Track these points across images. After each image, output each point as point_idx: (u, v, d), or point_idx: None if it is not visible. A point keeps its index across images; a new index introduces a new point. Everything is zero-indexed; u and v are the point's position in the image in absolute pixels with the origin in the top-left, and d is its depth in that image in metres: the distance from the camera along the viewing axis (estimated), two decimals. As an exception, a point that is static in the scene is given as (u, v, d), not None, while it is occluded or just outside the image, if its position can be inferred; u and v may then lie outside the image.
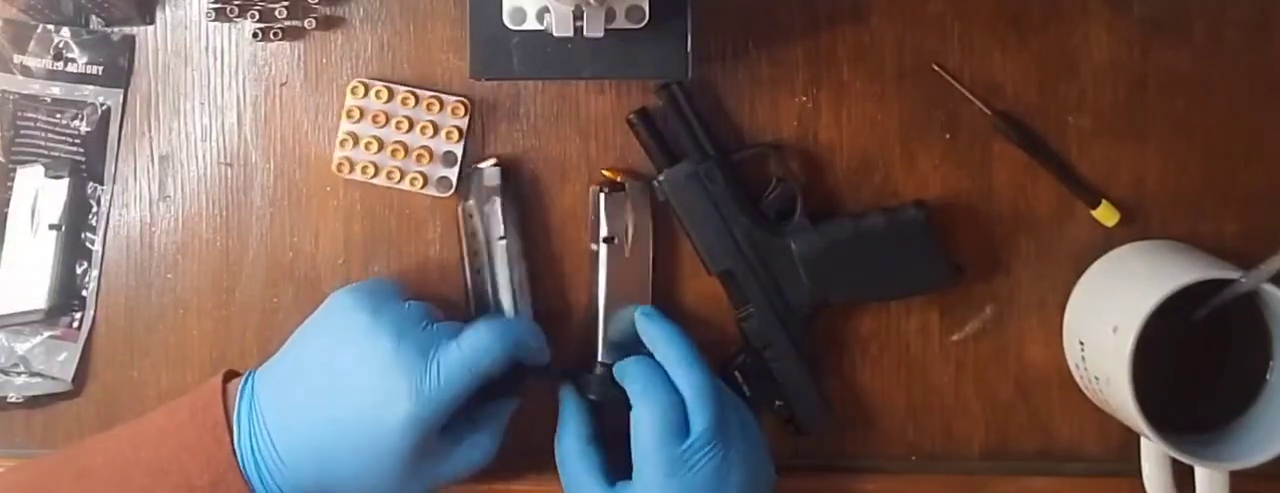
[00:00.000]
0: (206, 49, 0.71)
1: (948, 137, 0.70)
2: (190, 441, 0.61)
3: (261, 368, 0.64)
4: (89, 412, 0.71)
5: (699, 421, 0.62)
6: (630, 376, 0.65)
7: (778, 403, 0.69)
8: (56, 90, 0.70)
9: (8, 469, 0.66)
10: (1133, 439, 0.66)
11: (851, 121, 0.70)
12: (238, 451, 0.61)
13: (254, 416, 0.61)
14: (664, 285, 0.70)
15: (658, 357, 0.65)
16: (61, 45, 0.70)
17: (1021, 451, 0.71)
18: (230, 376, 0.65)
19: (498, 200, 0.68)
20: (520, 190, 0.70)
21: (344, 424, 0.60)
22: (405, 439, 0.60)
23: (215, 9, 0.69)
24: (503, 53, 0.63)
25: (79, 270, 0.71)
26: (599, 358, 0.68)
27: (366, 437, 0.60)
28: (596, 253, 0.68)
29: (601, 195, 0.68)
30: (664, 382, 0.64)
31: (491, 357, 0.62)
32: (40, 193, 0.70)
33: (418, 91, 0.69)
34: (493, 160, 0.69)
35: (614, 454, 0.65)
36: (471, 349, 0.62)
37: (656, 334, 0.66)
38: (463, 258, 0.69)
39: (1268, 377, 0.65)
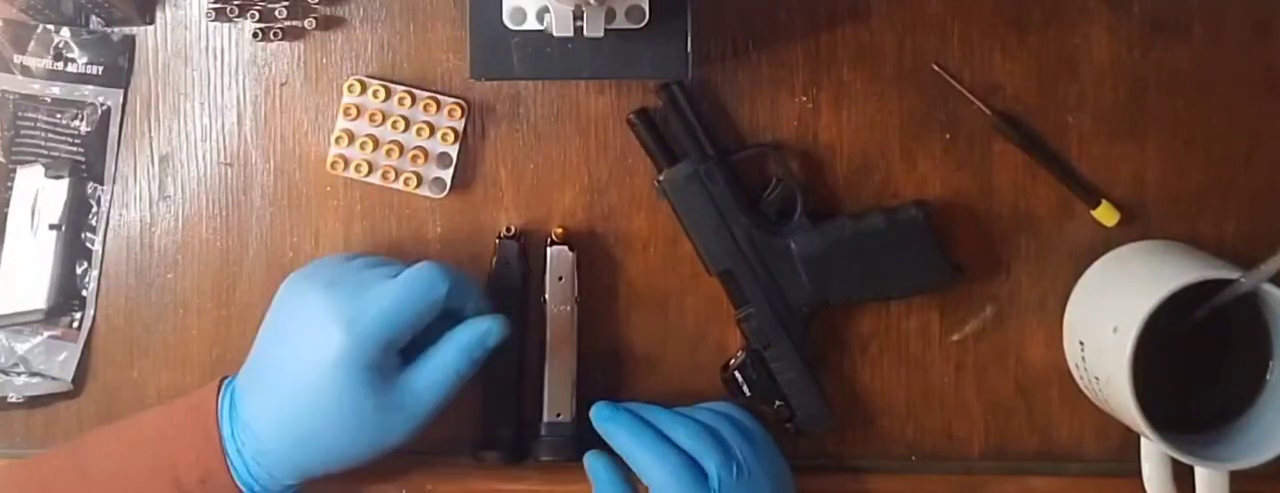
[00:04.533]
0: (206, 49, 0.71)
1: (948, 137, 0.70)
2: (184, 441, 0.62)
3: (240, 370, 0.65)
4: (89, 412, 0.71)
5: (711, 467, 0.62)
6: (623, 445, 0.64)
7: (778, 403, 0.69)
8: (56, 90, 0.70)
9: (8, 465, 0.67)
10: (1133, 439, 0.66)
11: (851, 122, 0.70)
12: (224, 447, 0.61)
13: (234, 407, 0.62)
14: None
15: (628, 445, 0.64)
16: (61, 45, 0.70)
17: (1021, 451, 0.71)
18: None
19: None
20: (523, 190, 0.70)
21: (297, 377, 0.60)
22: (349, 371, 0.59)
23: (215, 9, 0.69)
24: (503, 53, 0.63)
25: (79, 270, 0.71)
26: (544, 418, 0.68)
27: (315, 379, 0.59)
28: (545, 309, 0.69)
29: (547, 251, 0.68)
30: (657, 436, 0.64)
31: (431, 289, 0.61)
32: (40, 193, 0.70)
33: (415, 91, 0.69)
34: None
35: None
36: (407, 281, 0.61)
37: (617, 431, 0.65)
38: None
39: (1268, 377, 0.65)
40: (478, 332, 0.62)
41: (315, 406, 0.60)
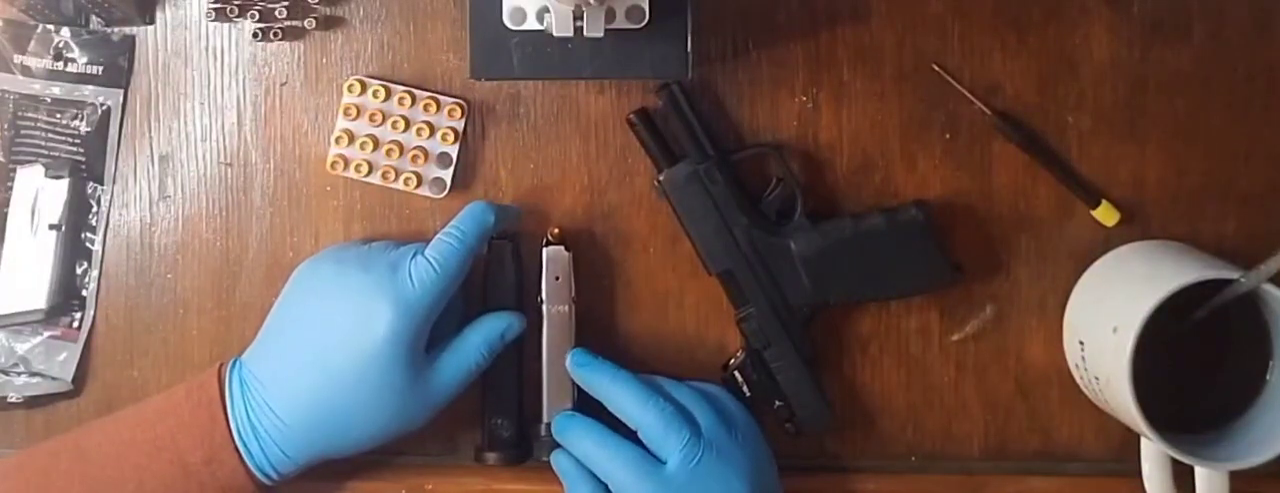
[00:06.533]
0: (206, 49, 0.71)
1: (948, 137, 0.70)
2: (185, 419, 0.62)
3: (248, 348, 0.65)
4: (89, 412, 0.71)
5: (668, 450, 0.63)
6: (573, 438, 0.65)
7: (778, 403, 0.69)
8: (56, 90, 0.70)
9: (12, 454, 0.67)
10: (1133, 439, 0.66)
11: (851, 122, 0.70)
12: (233, 425, 0.62)
13: (247, 388, 0.63)
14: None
15: (600, 398, 0.66)
16: (61, 45, 0.70)
17: (1021, 451, 0.71)
18: None
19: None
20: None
21: (334, 356, 0.61)
22: (397, 347, 0.61)
23: (215, 9, 0.69)
24: (503, 53, 0.63)
25: (79, 270, 0.71)
26: (544, 419, 0.68)
27: (359, 358, 0.61)
28: (541, 311, 0.68)
29: (543, 252, 0.68)
30: (608, 432, 0.64)
31: (459, 257, 0.63)
32: (40, 193, 0.70)
33: (415, 92, 0.69)
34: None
35: None
36: (438, 253, 0.63)
37: (592, 378, 0.66)
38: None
39: (1268, 377, 0.65)
40: (499, 326, 0.66)
41: (356, 384, 0.61)
